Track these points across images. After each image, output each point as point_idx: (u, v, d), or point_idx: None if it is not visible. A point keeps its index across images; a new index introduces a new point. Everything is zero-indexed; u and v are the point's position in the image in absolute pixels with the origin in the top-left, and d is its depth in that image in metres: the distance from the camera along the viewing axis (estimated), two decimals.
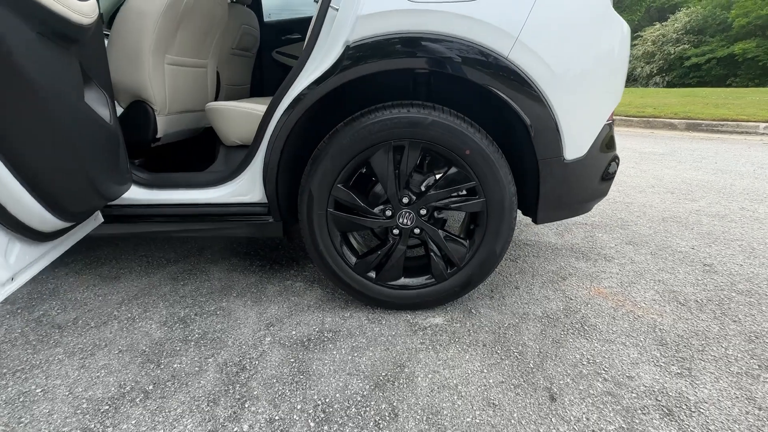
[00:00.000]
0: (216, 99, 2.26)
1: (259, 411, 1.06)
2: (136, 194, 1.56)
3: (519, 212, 1.50)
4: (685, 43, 26.31)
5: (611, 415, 1.03)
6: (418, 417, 1.04)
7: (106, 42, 1.52)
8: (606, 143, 1.39)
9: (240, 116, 1.59)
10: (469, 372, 1.19)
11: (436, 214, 1.43)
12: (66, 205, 1.05)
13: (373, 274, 1.46)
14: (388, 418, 1.04)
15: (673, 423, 1.01)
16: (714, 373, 1.17)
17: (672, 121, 6.77)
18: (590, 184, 1.40)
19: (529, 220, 2.46)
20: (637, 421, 1.01)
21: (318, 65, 1.26)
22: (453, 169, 1.32)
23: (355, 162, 1.31)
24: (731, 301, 1.55)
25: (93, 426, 1.02)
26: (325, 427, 1.01)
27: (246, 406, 1.08)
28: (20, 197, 0.98)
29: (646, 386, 1.12)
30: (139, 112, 1.65)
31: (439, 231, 1.39)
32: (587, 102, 1.25)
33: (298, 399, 1.10)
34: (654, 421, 1.01)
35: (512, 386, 1.13)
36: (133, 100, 1.66)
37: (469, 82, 1.23)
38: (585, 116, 1.27)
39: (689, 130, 6.54)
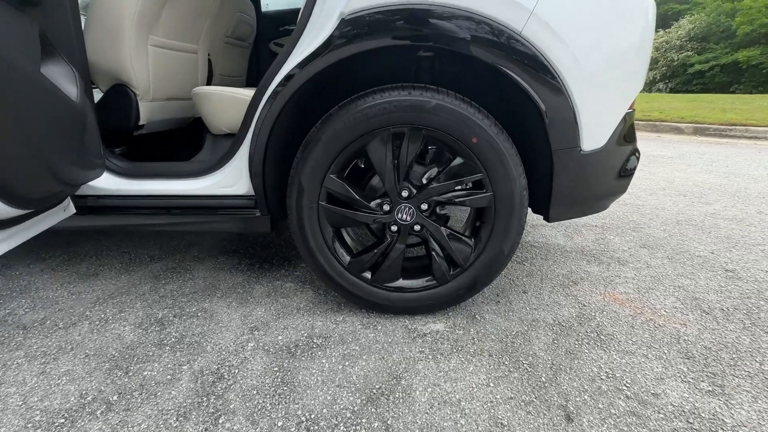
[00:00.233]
0: None
1: (235, 428, 0.93)
2: (113, 184, 1.44)
3: (528, 210, 1.38)
4: (688, 50, 26.26)
5: None
6: None
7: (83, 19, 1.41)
8: (626, 134, 1.27)
9: (227, 102, 1.47)
10: (474, 386, 1.06)
11: (438, 209, 1.30)
12: (16, 189, 0.93)
13: (368, 275, 1.34)
14: None
15: None
16: (750, 391, 1.04)
17: (679, 125, 6.64)
18: (608, 179, 1.27)
19: (534, 220, 2.35)
20: None
21: (311, 42, 1.14)
22: (458, 160, 1.20)
23: (350, 150, 1.19)
24: (760, 310, 1.42)
25: None
26: None
27: (220, 421, 0.95)
28: None
29: (674, 405, 0.99)
30: (119, 96, 1.53)
31: (442, 228, 1.26)
32: (609, 86, 1.13)
33: (280, 414, 0.97)
34: None
35: (522, 403, 1.00)
36: (114, 84, 1.54)
37: (476, 62, 1.11)
38: (606, 102, 1.15)
39: (696, 134, 6.41)
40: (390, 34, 1.08)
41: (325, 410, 0.98)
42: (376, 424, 0.94)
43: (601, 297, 1.50)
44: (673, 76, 26.91)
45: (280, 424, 0.94)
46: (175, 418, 0.96)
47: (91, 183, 1.42)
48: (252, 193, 1.35)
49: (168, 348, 1.22)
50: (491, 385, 1.06)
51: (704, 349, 1.20)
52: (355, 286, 1.33)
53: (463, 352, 1.19)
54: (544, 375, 1.09)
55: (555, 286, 1.58)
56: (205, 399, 1.02)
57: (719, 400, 1.01)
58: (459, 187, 1.24)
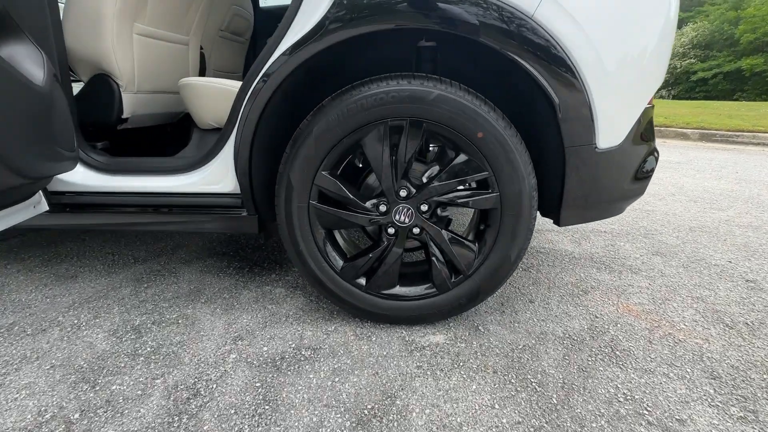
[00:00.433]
0: None
1: None
2: (92, 180, 1.34)
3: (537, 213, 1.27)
4: (691, 58, 26.25)
5: None
6: None
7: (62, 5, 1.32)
8: (644, 132, 1.16)
9: (215, 94, 1.38)
10: (477, 407, 0.95)
11: (439, 210, 1.20)
12: None
13: (363, 281, 1.23)
14: None
15: None
16: None
17: (684, 130, 6.54)
18: (624, 181, 1.17)
19: (540, 224, 2.23)
20: None
21: (303, 25, 1.04)
22: (461, 157, 1.09)
23: (344, 145, 1.09)
24: None
25: None
26: None
27: None
28: None
29: None
30: (100, 87, 1.44)
31: (443, 231, 1.16)
32: (629, 77, 1.03)
33: None
34: None
35: (532, 429, 0.89)
36: (95, 74, 1.45)
37: (481, 51, 1.01)
38: (625, 95, 1.05)
39: (702, 140, 6.31)
40: (389, 16, 0.99)
41: None
42: None
43: (614, 308, 1.39)
44: (676, 83, 26.88)
45: None
46: None
47: (67, 178, 1.32)
48: (238, 191, 1.25)
49: (142, 359, 1.12)
50: (496, 406, 0.95)
51: (731, 369, 1.09)
52: (348, 293, 1.23)
53: (465, 368, 1.08)
54: (555, 396, 0.99)
55: (564, 296, 1.47)
56: (176, 419, 0.91)
57: (753, 428, 0.90)
58: (462, 187, 1.14)
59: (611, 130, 1.07)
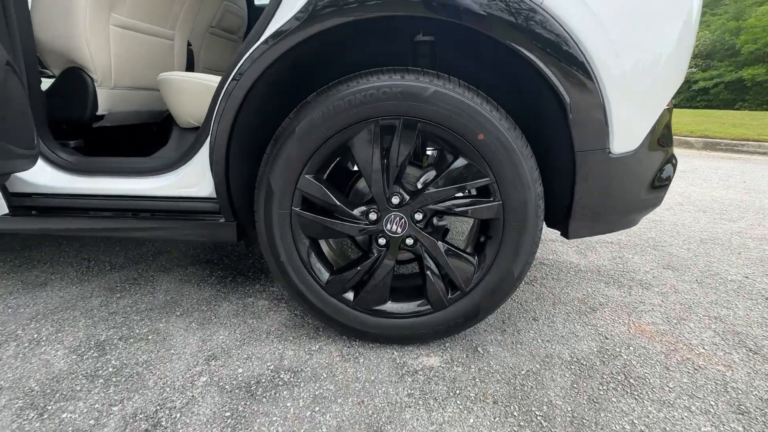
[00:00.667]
0: None
1: None
2: (60, 181, 1.24)
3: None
4: (692, 67, 26.31)
5: None
6: None
7: None
8: (661, 136, 1.06)
9: (195, 89, 1.27)
10: None
11: (435, 220, 1.09)
12: None
13: (350, 296, 1.12)
14: None
15: None
16: None
17: (688, 139, 6.45)
18: (640, 189, 1.06)
19: (545, 234, 2.12)
20: None
21: (288, 11, 0.94)
22: (460, 161, 0.99)
23: (330, 146, 0.98)
24: None
25: None
26: None
27: None
28: None
29: None
30: (72, 81, 1.34)
31: (439, 243, 1.05)
32: (648, 75, 0.92)
33: None
34: None
35: None
36: (68, 67, 1.35)
37: (484, 42, 0.91)
38: (643, 95, 0.94)
39: (707, 148, 6.22)
40: (379, 3, 0.88)
41: None
42: None
43: (625, 328, 1.27)
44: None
45: None
46: None
47: (32, 179, 1.22)
48: (216, 195, 1.14)
49: (101, 381, 1.00)
50: None
51: (760, 402, 0.97)
52: (334, 309, 1.11)
53: (462, 398, 0.97)
54: None
55: (570, 313, 1.36)
56: None
57: None
58: (461, 194, 1.03)
59: (627, 133, 0.96)
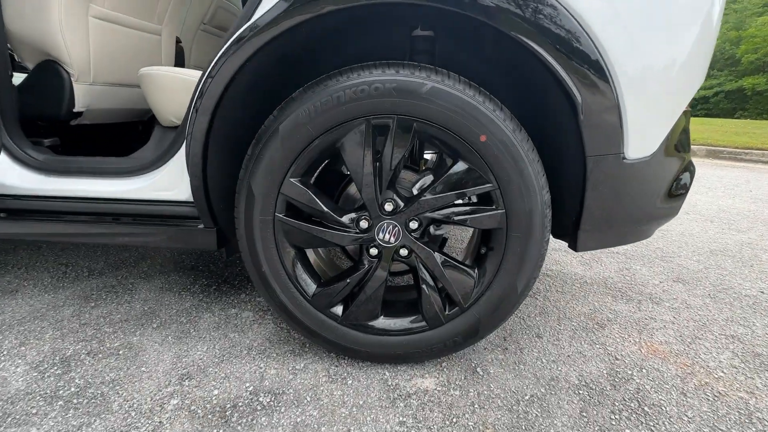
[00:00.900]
0: None
1: None
2: (28, 182, 1.15)
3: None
4: None
5: None
6: None
7: None
8: (678, 141, 0.97)
9: (177, 85, 1.19)
10: None
11: (432, 228, 1.00)
12: None
13: (339, 310, 1.03)
14: None
15: None
16: None
17: (691, 146, 6.38)
18: (655, 198, 0.97)
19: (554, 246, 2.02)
20: None
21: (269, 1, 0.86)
22: (460, 165, 0.90)
23: (317, 147, 0.90)
24: None
25: None
26: None
27: None
28: None
29: None
30: (47, 75, 1.26)
31: (436, 254, 0.96)
32: (668, 74, 0.84)
33: None
34: None
35: None
36: (42, 60, 1.26)
37: (485, 31, 0.82)
38: (660, 96, 0.86)
39: (709, 156, 6.15)
40: None
41: None
42: None
43: (636, 347, 1.18)
44: None
45: None
46: None
47: None
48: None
49: (61, 403, 0.91)
50: None
51: None
52: (320, 324, 1.02)
53: (459, 427, 0.87)
54: None
55: (576, 330, 1.26)
56: None
57: None
58: (460, 201, 0.94)
59: (643, 137, 0.88)
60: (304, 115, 0.87)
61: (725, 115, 24.77)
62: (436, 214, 0.93)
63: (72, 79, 1.28)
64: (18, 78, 1.29)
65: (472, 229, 1.45)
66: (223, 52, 0.87)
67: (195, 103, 0.92)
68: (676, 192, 1.01)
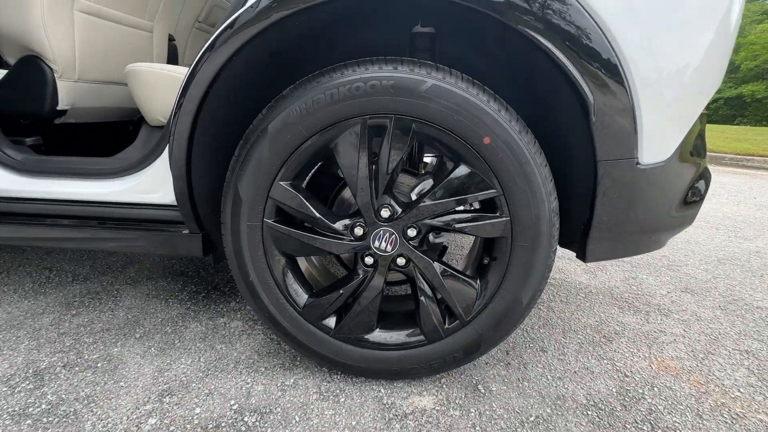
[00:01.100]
0: None
1: None
2: (4, 182, 1.09)
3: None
4: None
5: None
6: None
7: None
8: (694, 147, 0.92)
9: (164, 82, 1.13)
10: None
11: (431, 236, 0.94)
12: None
13: (332, 323, 0.96)
14: None
15: None
16: None
17: None
18: (669, 206, 0.91)
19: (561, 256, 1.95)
20: None
21: None
22: (462, 168, 0.84)
23: (309, 149, 0.84)
24: None
25: None
26: None
27: None
28: None
29: None
30: (28, 71, 1.20)
31: (435, 264, 0.90)
32: (685, 75, 0.78)
33: None
34: None
35: None
36: (24, 55, 1.21)
37: (489, 24, 0.77)
38: (677, 98, 0.80)
39: (711, 163, 6.10)
40: None
41: None
42: None
43: (646, 363, 1.12)
44: None
45: None
46: None
47: None
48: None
49: (29, 422, 0.84)
50: None
51: None
52: (312, 337, 0.96)
53: None
54: None
55: (583, 344, 1.20)
56: None
57: None
58: (462, 208, 0.88)
59: (657, 141, 0.82)
60: (295, 114, 0.81)
61: (724, 122, 24.84)
62: (436, 222, 0.87)
63: (55, 75, 1.22)
64: None
65: (473, 237, 1.39)
66: (207, 47, 0.81)
67: (179, 101, 0.86)
68: (692, 199, 0.95)
